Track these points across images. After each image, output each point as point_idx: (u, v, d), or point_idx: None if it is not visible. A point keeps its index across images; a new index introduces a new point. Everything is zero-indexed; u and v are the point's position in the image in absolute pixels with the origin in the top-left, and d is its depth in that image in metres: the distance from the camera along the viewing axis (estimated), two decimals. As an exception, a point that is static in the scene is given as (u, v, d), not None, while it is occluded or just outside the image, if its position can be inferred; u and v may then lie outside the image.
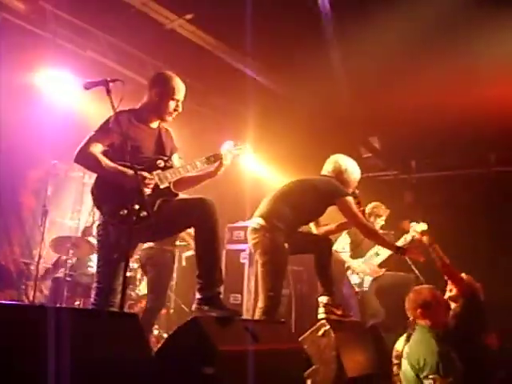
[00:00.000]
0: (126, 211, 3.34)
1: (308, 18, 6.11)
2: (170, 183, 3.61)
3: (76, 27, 6.48)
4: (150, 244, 5.72)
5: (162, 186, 3.55)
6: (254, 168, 9.10)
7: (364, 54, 6.60)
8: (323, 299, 4.46)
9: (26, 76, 6.38)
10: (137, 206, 3.32)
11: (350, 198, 4.52)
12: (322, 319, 4.34)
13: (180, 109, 3.79)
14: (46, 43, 6.36)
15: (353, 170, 4.81)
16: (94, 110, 6.57)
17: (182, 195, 3.77)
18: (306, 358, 3.84)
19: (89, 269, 6.49)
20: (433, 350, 4.06)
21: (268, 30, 6.28)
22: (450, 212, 8.19)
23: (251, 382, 2.87)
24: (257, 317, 4.19)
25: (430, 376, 3.92)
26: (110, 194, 3.42)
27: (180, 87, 3.80)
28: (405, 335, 4.65)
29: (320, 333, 4.11)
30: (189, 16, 6.15)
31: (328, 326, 4.16)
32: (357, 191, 4.84)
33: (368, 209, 7.19)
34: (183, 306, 7.08)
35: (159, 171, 3.59)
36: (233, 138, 8.54)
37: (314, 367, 3.92)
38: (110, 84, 3.29)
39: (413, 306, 4.43)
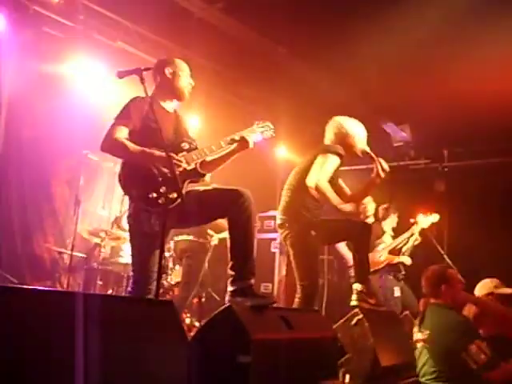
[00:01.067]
0: (155, 194, 3.35)
1: (341, 6, 6.05)
2: (196, 164, 3.61)
3: (106, 18, 6.51)
4: (186, 236, 5.75)
5: (188, 168, 3.54)
6: (286, 156, 9.08)
7: (395, 41, 6.52)
8: (357, 286, 4.40)
9: (57, 67, 6.43)
10: (164, 189, 3.35)
11: (329, 156, 4.28)
12: (355, 306, 4.32)
13: (193, 83, 3.87)
14: (76, 34, 6.41)
15: (355, 131, 4.56)
16: (126, 99, 6.62)
17: (215, 185, 3.79)
18: (340, 346, 3.82)
19: (120, 259, 6.55)
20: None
21: (298, 17, 6.24)
22: (482, 201, 8.07)
23: (285, 370, 2.86)
24: (295, 306, 4.20)
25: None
26: (138, 178, 3.41)
27: (183, 63, 3.90)
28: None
29: (353, 322, 4.09)
30: (219, 5, 6.11)
31: (361, 315, 4.14)
32: (367, 150, 4.55)
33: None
34: (214, 294, 7.10)
35: (185, 153, 3.59)
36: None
37: (347, 356, 3.90)
38: (144, 73, 3.30)
39: (435, 282, 4.19)
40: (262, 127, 4.12)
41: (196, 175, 3.63)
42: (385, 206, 7.38)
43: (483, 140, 8.23)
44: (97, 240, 6.47)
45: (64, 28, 6.33)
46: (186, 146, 3.65)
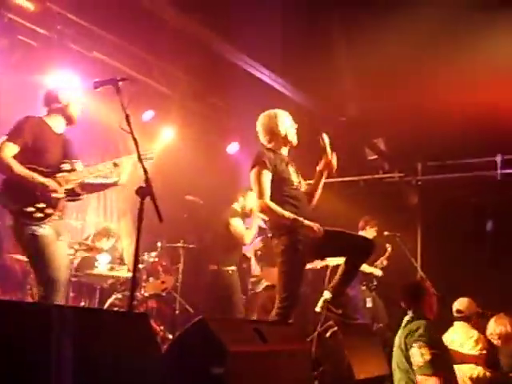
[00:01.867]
0: (31, 209, 3.86)
1: (316, 20, 6.11)
2: (74, 185, 4.16)
3: (82, 28, 6.48)
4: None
5: (67, 187, 4.07)
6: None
7: (370, 55, 6.60)
8: (326, 295, 4.36)
9: (33, 76, 6.37)
10: (43, 204, 3.89)
11: (256, 169, 4.22)
12: (318, 312, 4.35)
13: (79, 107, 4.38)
14: (52, 44, 6.36)
15: (280, 121, 4.47)
16: (101, 109, 6.59)
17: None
18: (314, 359, 3.82)
19: (94, 270, 6.49)
20: None
21: (271, 29, 6.28)
22: (455, 215, 8.19)
23: (260, 382, 2.85)
24: (272, 316, 4.16)
25: None
26: (17, 193, 3.88)
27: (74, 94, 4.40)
28: None
29: (328, 334, 4.09)
30: (196, 15, 6.12)
31: (335, 328, 4.15)
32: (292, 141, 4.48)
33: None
34: (188, 307, 7.06)
35: (65, 173, 4.11)
36: (236, 139, 8.62)
37: (321, 368, 3.91)
38: (120, 83, 3.30)
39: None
40: (144, 156, 4.19)
41: (73, 195, 4.22)
42: (366, 217, 7.47)
43: (456, 154, 8.35)
44: (70, 251, 6.39)
45: (39, 37, 6.28)
46: (66, 167, 4.16)
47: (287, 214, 4.13)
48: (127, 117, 3.29)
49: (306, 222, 4.10)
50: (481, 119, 6.75)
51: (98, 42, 6.64)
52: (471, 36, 6.26)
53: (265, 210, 4.17)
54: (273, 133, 4.47)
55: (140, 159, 3.21)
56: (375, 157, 9.02)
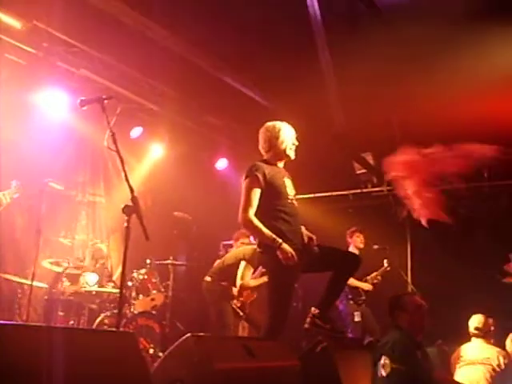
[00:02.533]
0: None
1: (300, 34, 6.15)
2: None
3: (69, 46, 6.49)
4: None
5: None
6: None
7: (356, 70, 6.64)
8: (313, 310, 4.35)
9: (20, 94, 6.38)
10: None
11: (247, 181, 4.19)
12: (306, 329, 4.35)
13: None
14: (39, 62, 6.38)
15: (282, 134, 4.42)
16: (88, 127, 6.61)
17: None
18: (305, 375, 3.80)
19: (82, 288, 6.45)
20: None
21: (261, 47, 6.32)
22: (444, 227, 8.21)
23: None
24: (262, 333, 4.15)
25: None
26: None
27: None
28: None
29: (318, 349, 4.08)
30: (183, 33, 6.15)
31: (325, 343, 4.14)
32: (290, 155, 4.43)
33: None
34: (178, 324, 7.04)
35: None
36: (227, 155, 8.64)
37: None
38: (105, 101, 3.31)
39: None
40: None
41: None
42: (352, 229, 7.50)
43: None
44: (58, 269, 6.37)
45: (27, 55, 6.29)
46: None
47: (267, 232, 4.06)
48: (113, 135, 3.30)
49: (284, 246, 4.00)
50: (467, 131, 6.79)
51: (85, 59, 6.66)
52: (456, 49, 6.32)
53: (247, 224, 4.13)
54: (272, 144, 4.43)
55: (126, 178, 3.21)
56: (364, 171, 9.05)
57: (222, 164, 8.70)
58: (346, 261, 4.43)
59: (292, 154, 4.48)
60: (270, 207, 4.20)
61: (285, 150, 4.42)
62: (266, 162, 4.41)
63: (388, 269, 7.58)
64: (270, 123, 4.51)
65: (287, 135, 4.44)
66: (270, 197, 4.21)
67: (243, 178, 4.28)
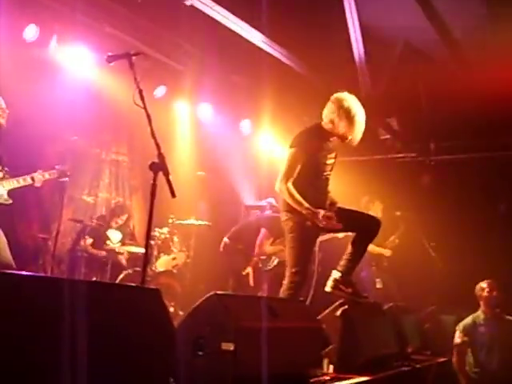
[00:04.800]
0: None
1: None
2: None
3: (94, 1, 6.43)
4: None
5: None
6: (271, 147, 9.09)
7: (382, 35, 6.52)
8: (335, 274, 4.40)
9: (44, 51, 6.35)
10: None
11: (293, 151, 4.22)
12: (328, 293, 4.39)
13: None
14: (63, 17, 6.33)
15: (354, 119, 4.30)
16: (113, 85, 6.57)
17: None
18: (324, 336, 3.83)
19: (105, 245, 6.53)
20: None
21: (285, 6, 6.21)
22: (468, 196, 8.13)
23: (269, 358, 2.87)
24: (282, 292, 4.20)
25: None
26: None
27: None
28: None
29: (338, 313, 4.10)
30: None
31: (346, 306, 4.16)
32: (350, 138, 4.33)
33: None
34: (199, 284, 7.12)
35: None
36: (251, 114, 8.59)
37: (331, 346, 3.92)
38: (133, 57, 3.28)
39: None
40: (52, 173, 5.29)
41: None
42: (366, 197, 7.44)
43: (470, 134, 8.26)
44: (81, 227, 6.45)
45: (51, 10, 6.24)
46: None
47: (303, 202, 4.14)
48: (140, 92, 3.28)
49: (320, 213, 4.07)
50: (494, 99, 6.67)
51: (111, 15, 6.59)
52: (492, 18, 6.18)
53: (285, 192, 4.18)
54: (336, 123, 4.33)
55: (153, 135, 3.20)
56: (388, 136, 8.95)
57: (246, 125, 8.65)
58: (367, 223, 4.49)
59: (354, 142, 4.40)
60: (305, 179, 4.23)
61: (345, 137, 4.34)
62: (319, 131, 4.36)
63: (401, 231, 7.52)
64: (348, 100, 4.33)
65: (358, 128, 4.33)
66: (307, 170, 4.24)
67: (289, 145, 4.29)
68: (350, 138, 4.35)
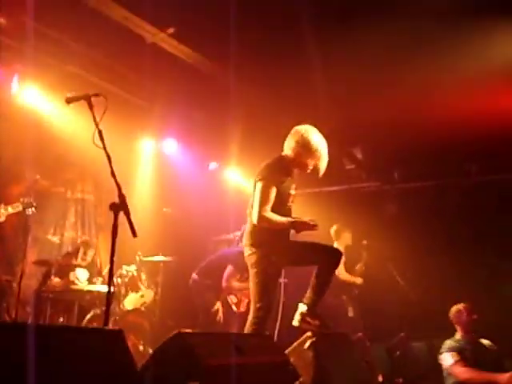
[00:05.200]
0: None
1: (288, 33, 6.14)
2: None
3: (57, 42, 6.44)
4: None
5: None
6: (238, 181, 9.15)
7: (344, 64, 6.64)
8: (302, 308, 4.44)
9: (5, 91, 6.34)
10: None
11: (262, 183, 4.28)
12: (296, 326, 4.42)
13: None
14: (26, 58, 6.33)
15: (319, 145, 4.45)
16: (76, 125, 6.56)
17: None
18: (293, 370, 3.81)
19: (72, 285, 6.42)
20: None
21: (247, 44, 6.30)
22: (433, 222, 8.25)
23: (237, 396, 2.85)
24: (246, 328, 4.21)
25: None
26: None
27: None
28: None
29: (306, 345, 4.10)
30: (170, 30, 6.13)
31: (314, 339, 4.16)
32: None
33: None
34: (168, 321, 7.04)
35: None
36: (217, 152, 8.64)
37: (300, 380, 3.90)
38: (92, 98, 3.29)
39: None
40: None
41: None
42: (335, 227, 7.50)
43: (433, 162, 8.41)
44: (47, 267, 6.35)
45: (13, 51, 6.24)
46: None
47: (284, 219, 4.26)
48: (100, 132, 3.29)
49: (303, 219, 4.26)
50: (456, 126, 6.82)
51: (74, 55, 6.61)
52: (444, 44, 6.33)
53: (265, 220, 4.23)
54: (297, 153, 4.45)
55: (113, 175, 3.20)
56: (353, 166, 9.07)
57: (213, 165, 8.81)
58: (328, 255, 4.54)
59: (309, 170, 4.50)
60: (271, 211, 4.28)
61: (306, 166, 4.45)
62: (282, 163, 4.45)
63: (365, 258, 7.57)
64: (307, 131, 4.47)
65: (320, 157, 4.43)
66: (274, 202, 4.28)
67: (258, 178, 4.34)
68: (310, 167, 4.45)
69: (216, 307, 6.56)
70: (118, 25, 6.06)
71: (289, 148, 4.50)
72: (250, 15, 5.75)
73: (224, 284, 6.60)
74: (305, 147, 4.41)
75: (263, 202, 4.24)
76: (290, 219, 4.29)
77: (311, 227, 4.24)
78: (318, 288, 4.44)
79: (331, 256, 4.55)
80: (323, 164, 4.48)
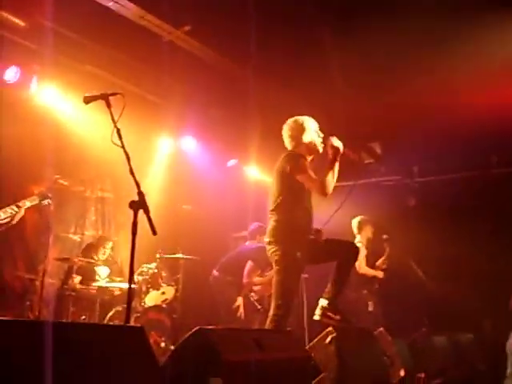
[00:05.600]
0: None
1: (307, 30, 6.13)
2: None
3: (74, 42, 6.50)
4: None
5: None
6: (258, 177, 9.16)
7: (364, 59, 6.61)
8: (323, 302, 4.46)
9: (26, 91, 6.40)
10: None
11: (298, 162, 4.35)
12: (317, 320, 4.44)
13: None
14: (44, 59, 6.39)
15: (306, 128, 4.57)
16: (95, 124, 6.61)
17: None
18: (314, 365, 3.81)
19: (93, 283, 6.48)
20: None
21: (265, 40, 6.29)
22: (453, 216, 8.18)
23: (259, 391, 2.86)
24: (267, 324, 4.21)
25: None
26: None
27: None
28: None
29: (327, 340, 4.09)
30: (187, 28, 6.15)
31: (335, 334, 4.15)
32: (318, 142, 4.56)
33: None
34: (189, 317, 7.07)
35: None
36: (236, 148, 8.65)
37: (322, 375, 3.90)
38: (110, 97, 3.31)
39: None
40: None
41: None
42: (357, 220, 7.46)
43: (453, 155, 8.35)
44: (69, 264, 6.42)
45: (32, 53, 6.31)
46: None
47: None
48: (118, 131, 3.31)
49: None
50: (475, 119, 6.75)
51: (91, 54, 6.66)
52: (466, 34, 6.27)
53: (325, 186, 4.25)
54: (298, 140, 4.53)
55: (132, 173, 3.22)
56: (371, 160, 9.01)
57: (232, 162, 8.80)
58: (345, 250, 4.56)
59: (320, 148, 4.55)
60: (298, 196, 4.35)
61: (311, 144, 4.51)
62: (298, 154, 4.48)
63: (387, 253, 7.49)
64: (290, 120, 4.60)
65: (311, 129, 4.54)
66: (299, 186, 4.34)
67: (287, 163, 4.34)
68: (317, 146, 4.52)
69: (237, 303, 6.57)
70: (135, 24, 6.09)
71: (289, 143, 4.61)
72: (267, 12, 5.74)
73: (245, 280, 6.60)
74: (298, 130, 4.53)
75: (310, 177, 4.28)
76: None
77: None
78: (337, 282, 4.47)
79: (348, 251, 4.58)
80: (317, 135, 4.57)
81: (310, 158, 4.54)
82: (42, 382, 2.00)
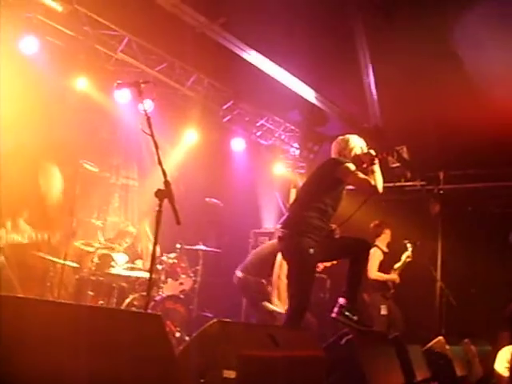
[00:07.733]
0: None
1: (339, 26, 6.11)
2: None
3: (108, 30, 6.55)
4: None
5: None
6: (282, 173, 9.16)
7: (393, 66, 6.58)
8: (341, 300, 4.46)
9: (58, 77, 6.47)
10: None
11: (348, 165, 4.44)
12: (334, 319, 4.42)
13: None
14: (78, 45, 6.46)
15: (352, 146, 4.70)
16: (125, 110, 6.67)
17: None
18: (328, 365, 3.80)
19: (112, 269, 6.52)
20: None
21: (297, 37, 6.29)
22: (476, 224, 8.10)
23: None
24: (283, 321, 4.23)
25: None
26: None
27: None
28: None
29: (342, 341, 4.08)
30: (221, 20, 6.13)
31: (350, 335, 4.14)
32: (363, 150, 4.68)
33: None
34: (205, 309, 7.10)
35: None
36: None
37: (334, 375, 3.89)
38: (142, 85, 3.33)
39: None
40: None
41: None
42: (376, 222, 7.41)
43: (479, 164, 8.27)
44: (90, 249, 6.47)
45: (66, 38, 6.38)
46: None
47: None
48: (148, 119, 3.33)
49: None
50: (503, 128, 6.69)
51: (123, 43, 6.70)
52: (492, 44, 6.22)
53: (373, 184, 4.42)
54: (343, 155, 4.64)
55: (160, 162, 3.24)
56: (398, 164, 8.94)
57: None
58: (356, 247, 4.59)
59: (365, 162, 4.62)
60: (331, 197, 4.44)
61: (357, 157, 4.60)
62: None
63: (409, 257, 7.40)
64: (337, 139, 4.77)
65: (356, 143, 4.67)
66: (335, 192, 4.48)
67: (336, 166, 4.49)
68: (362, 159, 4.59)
69: (266, 304, 6.36)
70: (167, 13, 6.09)
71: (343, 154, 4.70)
72: (301, 8, 5.73)
73: (274, 278, 6.45)
74: (345, 148, 4.68)
75: (362, 178, 4.39)
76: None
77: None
78: (351, 280, 4.49)
79: (360, 246, 4.60)
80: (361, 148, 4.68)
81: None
82: (62, 364, 2.03)
